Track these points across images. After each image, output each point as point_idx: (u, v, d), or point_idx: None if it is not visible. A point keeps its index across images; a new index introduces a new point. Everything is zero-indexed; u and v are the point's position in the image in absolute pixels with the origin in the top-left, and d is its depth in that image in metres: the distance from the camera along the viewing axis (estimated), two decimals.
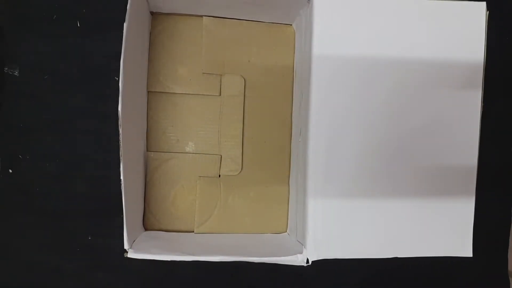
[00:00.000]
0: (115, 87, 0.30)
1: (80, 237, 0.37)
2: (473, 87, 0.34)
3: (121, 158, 0.30)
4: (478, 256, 0.34)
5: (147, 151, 0.38)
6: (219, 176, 0.39)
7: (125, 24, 0.30)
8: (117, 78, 0.30)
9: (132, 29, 0.31)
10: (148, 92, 0.38)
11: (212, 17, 0.38)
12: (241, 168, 0.39)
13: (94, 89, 0.38)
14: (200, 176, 0.38)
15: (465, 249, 0.34)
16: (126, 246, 0.31)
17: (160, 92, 0.38)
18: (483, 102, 0.34)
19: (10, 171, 0.37)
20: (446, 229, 0.34)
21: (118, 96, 0.29)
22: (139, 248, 0.32)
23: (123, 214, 0.31)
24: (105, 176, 0.37)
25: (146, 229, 0.38)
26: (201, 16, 0.38)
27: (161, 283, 0.38)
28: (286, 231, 0.40)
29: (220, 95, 0.39)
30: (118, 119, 0.29)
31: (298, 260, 0.32)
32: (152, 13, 0.38)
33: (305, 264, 0.32)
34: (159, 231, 0.38)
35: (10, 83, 0.37)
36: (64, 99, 0.38)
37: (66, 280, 0.37)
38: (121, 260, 0.32)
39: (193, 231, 0.38)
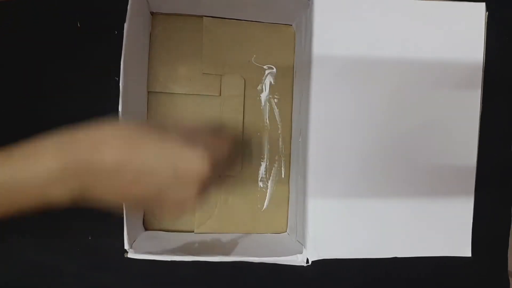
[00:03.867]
0: (116, 87, 0.30)
1: (80, 237, 0.37)
2: (473, 87, 0.34)
3: None
4: (478, 256, 0.34)
5: None
6: (219, 176, 0.39)
7: (125, 25, 0.30)
8: (117, 78, 0.30)
9: (133, 29, 0.31)
10: (148, 92, 0.38)
11: (212, 17, 0.38)
12: (241, 169, 0.39)
13: (94, 89, 0.38)
14: None
15: (464, 249, 0.34)
16: (126, 246, 0.31)
17: (160, 92, 0.38)
18: (482, 102, 0.34)
19: None
20: (445, 229, 0.34)
21: (118, 96, 0.29)
22: (139, 248, 0.32)
23: (123, 214, 0.31)
24: None
25: (146, 229, 0.38)
26: (201, 16, 0.38)
27: (161, 283, 0.38)
28: (286, 231, 0.40)
29: (220, 95, 0.39)
30: (118, 119, 0.29)
31: (298, 260, 0.32)
32: (152, 13, 0.38)
33: (305, 264, 0.32)
34: (159, 231, 0.38)
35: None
36: (64, 99, 0.38)
37: (66, 280, 0.37)
38: (121, 260, 0.32)
39: (193, 231, 0.38)
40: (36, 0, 0.36)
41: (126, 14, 0.30)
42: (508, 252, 0.41)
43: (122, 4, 0.30)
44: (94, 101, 0.37)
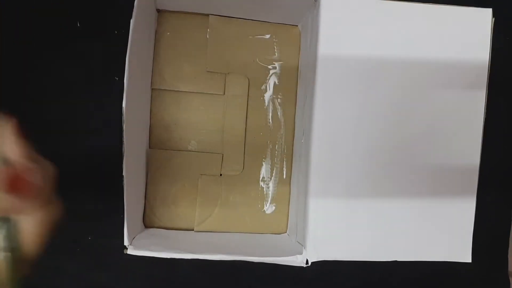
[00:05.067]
0: (116, 87, 0.29)
1: (80, 237, 0.37)
2: (477, 90, 0.34)
3: (124, 154, 0.30)
4: (478, 256, 0.34)
5: (149, 148, 0.38)
6: (221, 175, 0.39)
7: (131, 21, 0.30)
8: (117, 78, 0.30)
9: (138, 26, 0.31)
10: (152, 89, 0.38)
11: (218, 16, 0.38)
12: (243, 168, 0.39)
13: (95, 89, 0.38)
14: (201, 174, 0.38)
15: (464, 255, 0.34)
16: (126, 243, 0.31)
17: (164, 89, 0.38)
18: (486, 104, 0.34)
19: None
20: (446, 233, 0.34)
21: (119, 96, 0.29)
22: (139, 244, 0.32)
23: (123, 212, 0.30)
24: (106, 176, 0.37)
25: (146, 227, 0.38)
26: (207, 14, 0.38)
27: (161, 282, 0.38)
28: (286, 232, 0.40)
29: (224, 94, 0.39)
30: (122, 115, 0.29)
31: (298, 260, 0.32)
32: (158, 11, 0.38)
33: (304, 265, 0.32)
34: (159, 229, 0.38)
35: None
36: (64, 99, 0.37)
37: (66, 280, 0.37)
38: (121, 260, 0.32)
39: (193, 229, 0.38)
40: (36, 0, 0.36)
41: (126, 13, 0.30)
42: (509, 253, 0.41)
43: (121, 4, 0.30)
44: (94, 100, 0.37)
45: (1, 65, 0.36)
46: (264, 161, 0.39)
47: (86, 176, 0.37)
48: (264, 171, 0.39)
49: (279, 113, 0.40)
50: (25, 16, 0.37)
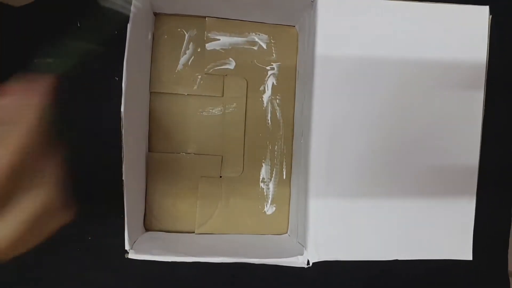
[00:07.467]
0: (116, 87, 0.29)
1: (80, 237, 0.37)
2: (476, 89, 0.34)
3: (123, 158, 0.30)
4: (478, 256, 0.34)
5: (148, 151, 0.38)
6: (220, 177, 0.39)
7: (128, 25, 0.30)
8: (117, 78, 0.30)
9: (136, 30, 0.31)
10: (150, 92, 0.38)
11: (215, 18, 0.38)
12: (243, 169, 0.39)
13: (94, 89, 0.37)
14: (201, 177, 0.38)
15: (465, 252, 0.34)
16: (127, 247, 0.31)
17: (163, 92, 0.38)
18: (484, 103, 0.34)
19: None
20: (447, 232, 0.34)
21: (119, 97, 0.29)
22: (140, 248, 0.32)
23: (124, 215, 0.30)
24: (106, 177, 0.37)
25: (146, 230, 0.38)
26: (204, 16, 0.38)
27: (162, 283, 0.38)
28: (286, 232, 0.40)
29: (222, 96, 0.39)
30: (120, 119, 0.29)
31: (299, 261, 0.32)
32: (155, 14, 0.38)
33: (305, 266, 0.32)
34: (159, 232, 0.38)
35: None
36: (64, 100, 0.37)
37: (66, 280, 0.37)
38: (121, 260, 0.32)
39: (193, 232, 0.38)
40: (36, 0, 0.36)
41: (125, 14, 0.30)
42: (509, 252, 0.41)
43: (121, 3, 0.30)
44: (94, 101, 0.37)
45: (1, 61, 0.36)
46: (263, 162, 0.39)
47: (85, 176, 0.37)
48: (264, 172, 0.39)
49: (278, 114, 0.40)
50: (26, 16, 0.37)
